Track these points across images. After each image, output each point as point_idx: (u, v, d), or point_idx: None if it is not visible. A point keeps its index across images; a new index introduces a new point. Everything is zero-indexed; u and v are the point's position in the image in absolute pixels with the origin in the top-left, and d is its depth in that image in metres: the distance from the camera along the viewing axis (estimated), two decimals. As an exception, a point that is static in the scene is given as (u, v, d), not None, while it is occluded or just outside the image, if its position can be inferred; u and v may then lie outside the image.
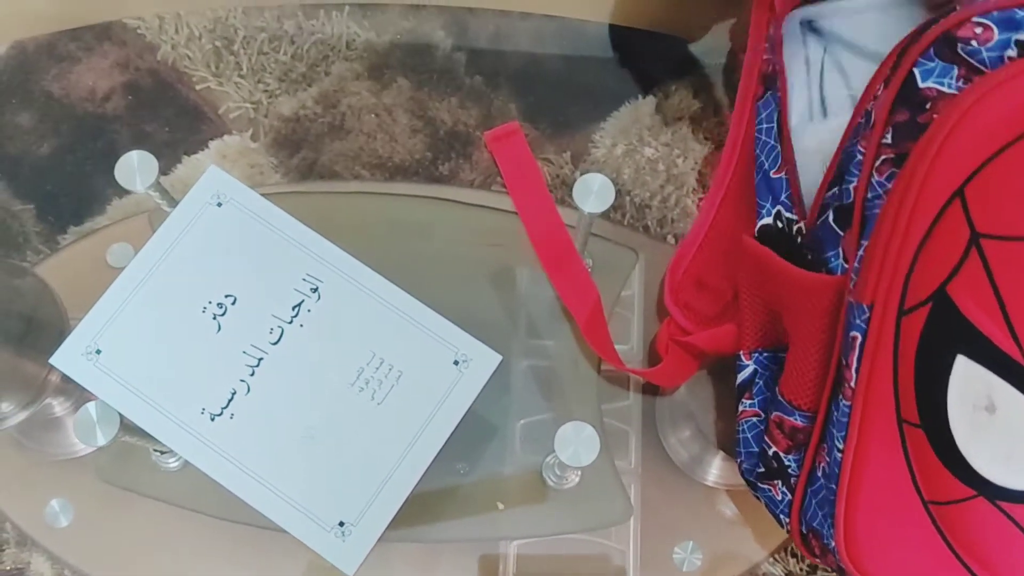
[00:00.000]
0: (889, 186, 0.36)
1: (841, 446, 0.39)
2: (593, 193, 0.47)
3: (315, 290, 0.49)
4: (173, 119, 0.66)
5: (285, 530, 0.46)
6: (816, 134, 0.47)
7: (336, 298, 0.49)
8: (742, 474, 0.47)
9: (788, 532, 0.44)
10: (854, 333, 0.37)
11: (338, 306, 0.49)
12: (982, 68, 0.33)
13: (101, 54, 0.67)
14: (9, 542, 0.58)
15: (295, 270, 0.50)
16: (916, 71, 0.35)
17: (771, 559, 0.58)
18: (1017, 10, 0.32)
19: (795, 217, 0.46)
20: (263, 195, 0.53)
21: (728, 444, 0.54)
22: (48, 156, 0.65)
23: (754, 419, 0.48)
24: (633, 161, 0.65)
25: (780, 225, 0.47)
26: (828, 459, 0.41)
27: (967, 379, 0.35)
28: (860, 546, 0.39)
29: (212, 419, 0.47)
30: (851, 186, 0.39)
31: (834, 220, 0.40)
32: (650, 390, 0.59)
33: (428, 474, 0.47)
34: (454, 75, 0.67)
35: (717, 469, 0.58)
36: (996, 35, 0.32)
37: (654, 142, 0.65)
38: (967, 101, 0.32)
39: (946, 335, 0.35)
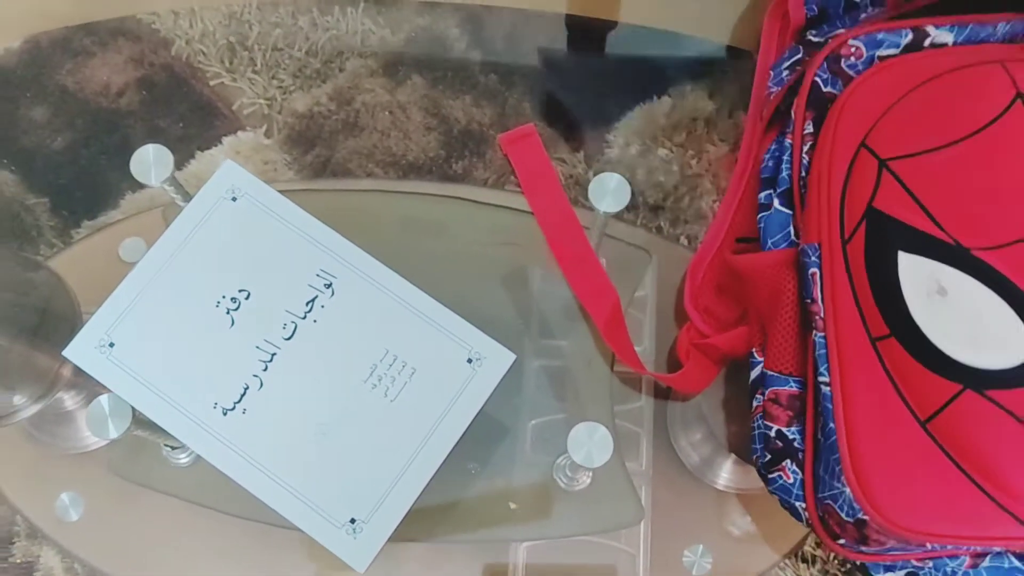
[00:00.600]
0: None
1: (827, 378, 0.42)
2: (609, 193, 0.47)
3: (329, 286, 0.49)
4: (187, 114, 0.66)
5: (296, 526, 0.46)
6: None
7: (350, 294, 0.49)
8: (758, 470, 0.47)
9: (807, 523, 0.44)
10: (812, 270, 0.45)
11: (352, 302, 0.49)
12: (854, 76, 0.49)
13: (115, 49, 0.67)
14: (20, 535, 0.58)
15: (309, 266, 0.49)
16: (818, 79, 0.49)
17: (782, 563, 0.58)
18: (877, 33, 0.49)
19: None
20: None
21: (741, 447, 0.54)
22: (62, 150, 0.65)
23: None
24: (647, 162, 0.64)
25: None
26: (823, 415, 0.43)
27: (913, 271, 0.42)
28: (872, 483, 0.40)
29: (224, 414, 0.47)
30: (787, 174, 0.50)
31: (781, 204, 0.50)
32: (661, 392, 0.59)
33: (439, 473, 0.47)
34: (469, 73, 0.67)
35: (728, 472, 0.58)
36: (864, 52, 0.49)
37: (668, 143, 0.65)
38: (853, 86, 0.48)
39: (884, 240, 0.43)
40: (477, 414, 0.48)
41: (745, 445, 0.55)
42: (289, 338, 0.48)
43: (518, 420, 0.56)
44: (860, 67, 0.49)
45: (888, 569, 0.45)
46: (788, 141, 0.50)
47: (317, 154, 0.65)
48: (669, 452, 0.59)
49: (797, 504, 0.44)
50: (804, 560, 0.58)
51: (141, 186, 0.64)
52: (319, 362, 0.48)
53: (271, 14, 0.68)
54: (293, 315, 0.49)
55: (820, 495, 0.43)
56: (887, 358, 0.41)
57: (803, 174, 0.48)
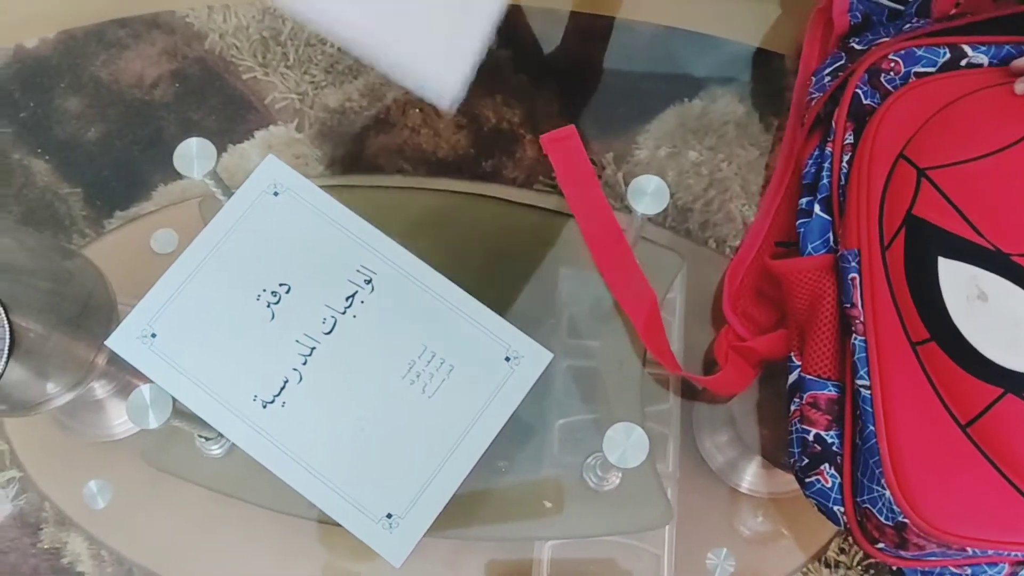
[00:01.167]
0: None
1: (867, 381, 0.43)
2: (648, 195, 0.47)
3: (369, 282, 0.49)
4: (219, 108, 0.67)
5: (333, 519, 0.47)
6: None
7: (389, 291, 0.49)
8: (795, 474, 0.48)
9: (845, 528, 0.45)
10: (851, 275, 0.45)
11: (391, 299, 0.49)
12: (892, 91, 0.50)
13: (149, 41, 0.68)
14: (48, 521, 0.58)
15: (349, 261, 0.50)
16: (859, 91, 0.51)
17: (805, 567, 0.58)
18: (914, 48, 0.50)
19: None
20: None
21: (771, 451, 0.54)
22: (96, 141, 0.65)
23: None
24: (677, 164, 0.65)
25: None
26: (862, 418, 0.43)
27: (953, 276, 0.42)
28: (912, 486, 0.41)
29: (264, 407, 0.47)
30: (828, 180, 0.50)
31: (822, 210, 0.50)
32: (688, 393, 0.59)
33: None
34: (500, 72, 0.67)
35: (752, 476, 0.58)
36: (903, 67, 0.50)
37: (698, 145, 0.65)
38: (892, 98, 0.49)
39: (924, 246, 0.43)
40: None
41: (775, 449, 0.55)
42: (329, 332, 0.49)
43: (546, 419, 0.56)
44: (897, 82, 0.50)
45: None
46: (829, 149, 0.51)
47: (348, 149, 0.65)
48: (694, 453, 0.59)
49: (835, 508, 0.45)
50: (827, 565, 0.58)
51: (173, 178, 0.64)
52: (358, 357, 0.48)
53: None
54: (333, 310, 0.49)
55: (859, 499, 0.43)
56: (927, 362, 0.42)
57: (842, 182, 0.49)
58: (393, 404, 0.48)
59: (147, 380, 0.48)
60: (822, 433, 0.45)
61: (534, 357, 0.48)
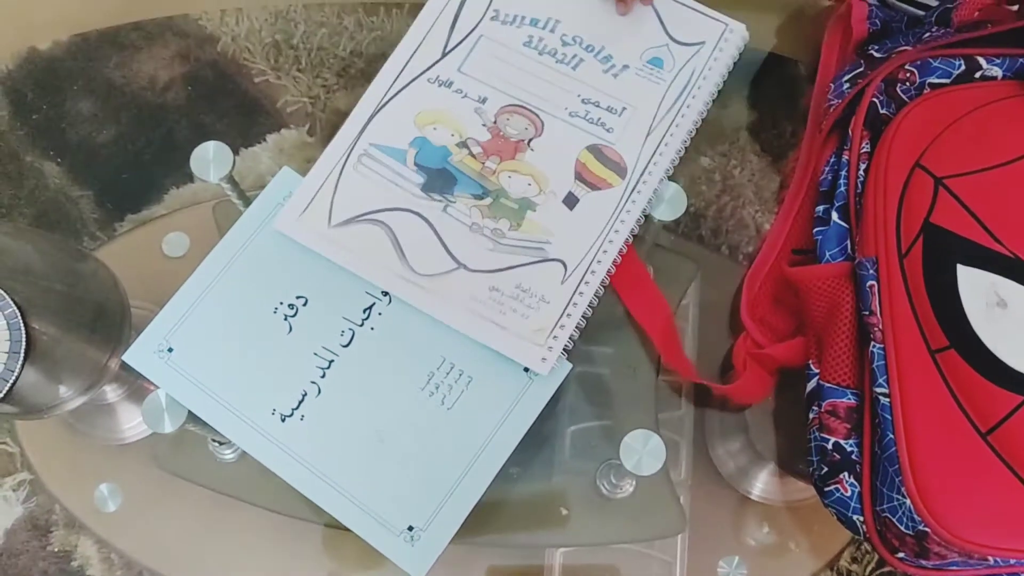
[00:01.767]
0: None
1: (886, 389, 0.43)
2: (665, 201, 0.47)
3: (386, 293, 0.49)
4: (231, 111, 0.66)
5: (355, 533, 0.46)
6: None
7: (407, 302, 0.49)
8: (814, 483, 0.47)
9: (865, 537, 0.45)
10: (870, 283, 0.45)
11: (409, 310, 0.49)
12: (907, 103, 0.51)
13: (162, 44, 0.68)
14: (58, 524, 0.58)
15: (367, 274, 0.50)
16: (876, 100, 0.51)
17: None
18: (930, 59, 0.51)
19: None
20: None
21: (786, 459, 0.54)
22: (108, 144, 0.65)
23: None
24: (689, 170, 0.64)
25: None
26: (881, 426, 0.43)
27: (972, 283, 0.43)
28: (932, 494, 0.41)
29: (283, 420, 0.47)
30: (845, 188, 0.50)
31: (839, 218, 0.50)
32: (701, 401, 0.59)
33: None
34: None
35: (763, 483, 0.58)
36: (918, 78, 0.51)
37: (710, 151, 0.65)
38: (908, 107, 0.50)
39: (942, 253, 0.44)
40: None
41: (789, 456, 0.55)
42: (347, 345, 0.49)
43: (559, 426, 0.56)
44: (912, 92, 0.51)
45: None
46: (846, 157, 0.51)
47: (360, 154, 0.65)
48: (705, 460, 0.59)
49: (855, 517, 0.44)
50: (840, 574, 0.58)
51: (185, 181, 0.64)
52: (376, 369, 0.48)
53: (317, 13, 0.68)
54: (351, 322, 0.49)
55: (878, 507, 0.43)
56: (947, 369, 0.42)
57: (859, 190, 0.49)
58: (412, 416, 0.47)
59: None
60: (841, 442, 0.45)
61: (554, 368, 0.48)
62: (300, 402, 0.48)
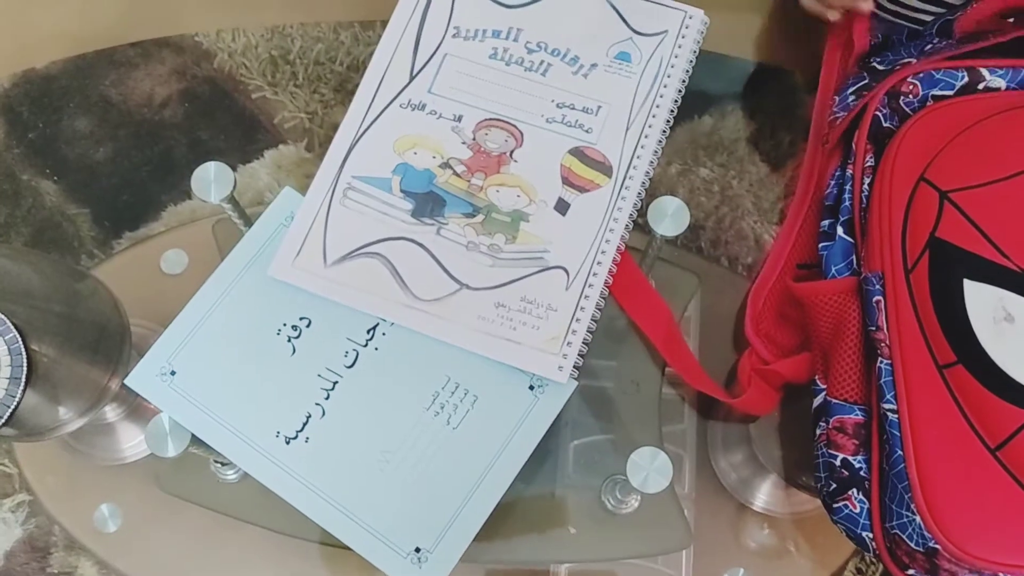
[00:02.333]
0: None
1: (894, 405, 0.43)
2: (668, 216, 0.47)
3: (391, 315, 0.49)
4: (229, 127, 0.66)
5: (362, 555, 0.46)
6: None
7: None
8: (823, 499, 0.47)
9: (875, 554, 0.44)
10: (876, 298, 0.45)
11: (413, 330, 0.49)
12: (912, 114, 0.50)
13: (159, 60, 0.68)
14: (57, 545, 0.58)
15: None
16: (879, 115, 0.51)
17: (821, 588, 0.57)
18: (933, 72, 0.50)
19: None
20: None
21: (791, 472, 0.54)
22: (104, 161, 0.65)
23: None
24: (688, 181, 0.65)
25: None
26: (890, 442, 0.43)
27: (979, 298, 0.42)
28: (942, 511, 0.40)
29: (287, 442, 0.47)
30: (849, 203, 0.50)
31: (844, 232, 0.50)
32: (703, 412, 0.59)
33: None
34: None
35: (766, 494, 0.58)
36: (920, 90, 0.50)
37: (709, 162, 0.65)
38: (912, 120, 0.49)
39: (948, 268, 0.43)
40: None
41: (793, 469, 0.55)
42: (351, 366, 0.48)
43: (562, 441, 0.56)
44: (916, 105, 0.51)
45: None
46: (850, 171, 0.50)
47: (359, 169, 0.65)
48: (708, 472, 0.59)
49: (864, 534, 0.44)
50: (843, 585, 0.58)
51: (183, 198, 0.64)
52: (381, 390, 0.48)
53: (313, 29, 0.68)
54: (354, 343, 0.49)
55: (888, 524, 0.43)
56: (955, 385, 0.42)
57: (864, 204, 0.49)
58: (418, 436, 0.47)
59: (161, 404, 0.48)
60: (849, 458, 0.45)
61: (558, 384, 0.48)
62: (304, 424, 0.47)
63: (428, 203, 0.50)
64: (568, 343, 0.48)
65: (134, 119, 0.66)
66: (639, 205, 0.52)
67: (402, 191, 0.51)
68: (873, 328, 0.45)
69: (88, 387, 0.51)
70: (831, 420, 0.46)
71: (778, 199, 0.64)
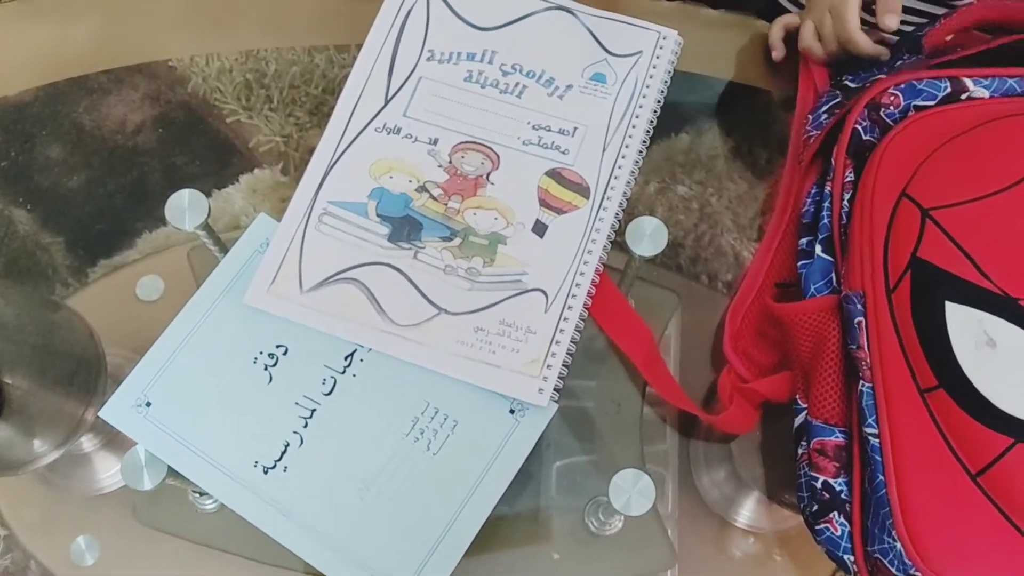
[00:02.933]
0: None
1: (875, 429, 0.42)
2: (647, 236, 0.47)
3: (369, 340, 0.49)
4: (203, 152, 0.66)
5: None
6: None
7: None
8: (805, 520, 0.47)
9: None
10: (857, 319, 0.44)
11: (391, 355, 0.48)
12: (893, 125, 0.49)
13: (132, 86, 0.67)
14: (34, 581, 0.57)
15: (347, 318, 0.49)
16: (859, 127, 0.50)
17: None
18: (915, 82, 0.49)
19: None
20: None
21: (773, 489, 0.54)
22: (78, 188, 0.65)
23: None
24: (666, 199, 0.65)
25: None
26: (871, 466, 0.42)
27: (961, 321, 0.42)
28: (924, 538, 0.40)
29: (265, 472, 0.47)
30: (828, 220, 0.49)
31: (823, 251, 0.49)
32: (685, 430, 0.59)
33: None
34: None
35: (748, 511, 0.58)
36: (902, 101, 0.50)
37: (688, 180, 0.65)
38: (892, 135, 0.48)
39: (930, 290, 0.43)
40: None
41: (777, 487, 0.55)
42: (329, 393, 0.48)
43: (544, 462, 0.55)
44: (896, 115, 0.49)
45: None
46: (828, 188, 0.50)
47: (336, 192, 0.65)
48: (691, 490, 0.58)
49: (845, 557, 0.44)
50: (828, 602, 0.58)
51: (158, 224, 0.64)
52: (360, 417, 0.48)
53: (288, 52, 0.68)
54: (332, 370, 0.48)
55: (869, 548, 0.43)
56: (936, 410, 0.41)
57: (843, 221, 0.48)
58: (398, 463, 0.47)
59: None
60: (830, 480, 0.45)
61: (539, 407, 0.48)
62: (283, 453, 0.47)
63: (405, 227, 0.50)
64: (548, 366, 0.48)
65: (107, 146, 0.66)
66: (616, 226, 0.52)
67: (378, 215, 0.50)
68: (854, 347, 0.45)
69: (63, 419, 0.50)
70: (812, 442, 0.46)
71: (756, 215, 0.64)
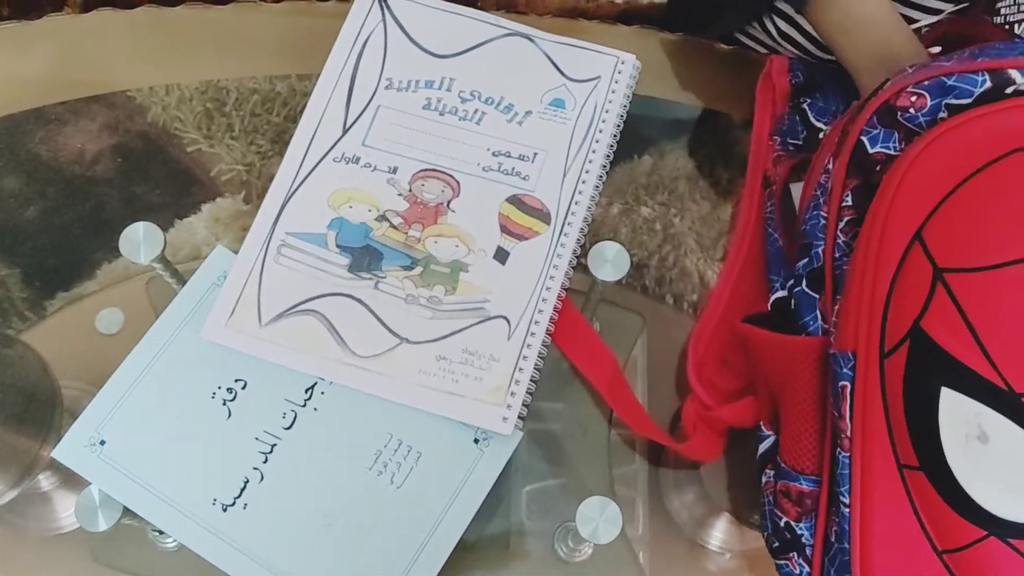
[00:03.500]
0: (853, 244, 0.41)
1: (847, 500, 0.39)
2: (608, 262, 0.47)
3: (330, 372, 0.48)
4: (164, 182, 0.65)
5: None
6: None
7: (350, 379, 0.48)
8: (768, 549, 0.47)
9: None
10: (842, 383, 0.40)
11: (353, 387, 0.48)
12: (919, 131, 0.39)
13: (89, 116, 0.66)
14: (-10, 626, 0.55)
15: (307, 350, 0.48)
16: (864, 139, 0.41)
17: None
18: (944, 78, 0.39)
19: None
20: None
21: (740, 510, 0.54)
22: (35, 220, 0.63)
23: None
24: (630, 221, 0.65)
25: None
26: (838, 518, 0.41)
27: (955, 411, 0.37)
28: None
29: (225, 510, 0.46)
30: (819, 250, 0.43)
31: (807, 285, 0.44)
32: (654, 452, 0.59)
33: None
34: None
35: (720, 532, 0.58)
36: (929, 101, 0.39)
37: (651, 201, 0.65)
38: (910, 157, 0.38)
39: (927, 369, 0.37)
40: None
41: (745, 509, 0.55)
42: (289, 427, 0.47)
43: (513, 487, 0.55)
44: (922, 120, 0.40)
45: None
46: (823, 214, 0.43)
47: (299, 219, 0.64)
48: (661, 512, 0.58)
49: None
50: (802, 620, 0.57)
51: (117, 255, 0.62)
52: (321, 451, 0.47)
53: (249, 79, 0.68)
54: (292, 403, 0.48)
55: None
56: (913, 488, 0.39)
57: (836, 255, 0.42)
58: (361, 497, 0.46)
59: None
60: (792, 523, 0.44)
61: (504, 436, 0.47)
62: (242, 490, 0.46)
63: (365, 257, 0.50)
64: (512, 393, 0.47)
65: (65, 176, 0.65)
66: (578, 251, 0.52)
67: (338, 246, 0.50)
68: (836, 414, 0.41)
69: (17, 457, 0.49)
70: (779, 483, 0.44)
71: (720, 235, 0.64)
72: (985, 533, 0.37)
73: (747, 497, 0.55)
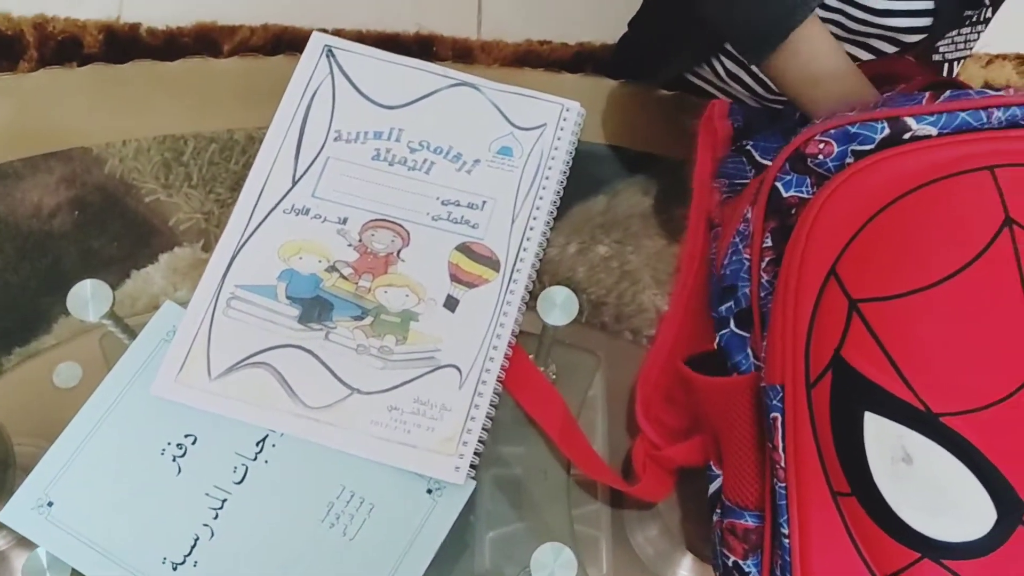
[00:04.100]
0: (775, 282, 0.44)
1: (787, 530, 0.40)
2: (557, 306, 0.47)
3: (280, 425, 0.48)
4: (122, 233, 0.65)
5: None
6: None
7: (302, 431, 0.48)
8: None
9: None
10: (773, 415, 0.41)
11: (304, 439, 0.48)
12: (828, 175, 0.42)
13: (46, 170, 0.67)
14: None
15: (256, 403, 0.48)
16: (778, 184, 0.44)
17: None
18: (848, 126, 0.42)
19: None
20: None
21: (697, 544, 0.54)
22: (-9, 276, 0.63)
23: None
24: (587, 259, 0.65)
25: None
26: (780, 551, 0.41)
27: (879, 435, 0.39)
28: None
29: (175, 568, 0.45)
30: (746, 290, 0.45)
31: (736, 326, 0.46)
32: (616, 491, 0.59)
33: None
34: (407, 180, 0.67)
35: (685, 569, 0.58)
36: (836, 147, 0.43)
37: (607, 239, 0.66)
38: (821, 199, 0.41)
39: (850, 396, 0.39)
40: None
41: (703, 543, 0.55)
42: (240, 482, 0.47)
43: (476, 532, 0.55)
44: (830, 165, 0.43)
45: None
46: (746, 256, 0.46)
47: (257, 267, 0.64)
48: (626, 548, 0.58)
49: None
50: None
51: (76, 310, 0.63)
52: (273, 505, 0.47)
53: (207, 130, 0.68)
54: (243, 457, 0.48)
55: None
56: (848, 515, 0.40)
57: (761, 294, 0.44)
58: (314, 551, 0.46)
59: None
60: (740, 562, 0.44)
61: (457, 485, 0.47)
62: (192, 547, 0.46)
63: (315, 308, 0.50)
64: (464, 443, 0.48)
65: (22, 231, 0.65)
66: (527, 298, 0.52)
67: (288, 297, 0.50)
68: (770, 446, 0.42)
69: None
70: (724, 522, 0.45)
71: (674, 271, 0.65)
72: (919, 555, 0.38)
73: (703, 532, 0.55)
